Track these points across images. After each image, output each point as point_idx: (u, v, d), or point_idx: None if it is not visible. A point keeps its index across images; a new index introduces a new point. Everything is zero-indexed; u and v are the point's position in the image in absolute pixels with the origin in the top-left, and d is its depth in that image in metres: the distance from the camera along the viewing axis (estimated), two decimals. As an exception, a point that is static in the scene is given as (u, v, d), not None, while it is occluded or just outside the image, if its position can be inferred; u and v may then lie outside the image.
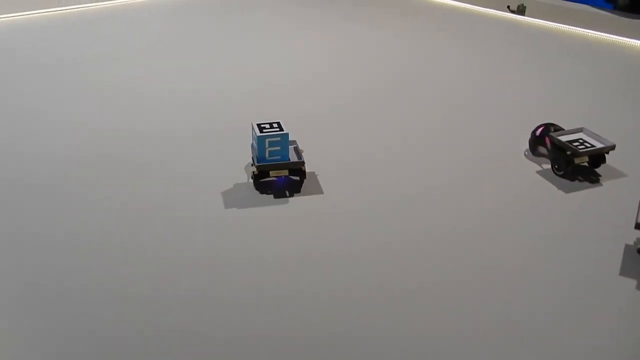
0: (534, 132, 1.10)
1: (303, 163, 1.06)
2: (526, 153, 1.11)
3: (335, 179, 1.12)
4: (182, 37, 1.83)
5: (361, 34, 1.92)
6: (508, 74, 1.59)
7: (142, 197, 1.09)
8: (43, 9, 1.97)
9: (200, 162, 1.17)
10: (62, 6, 2.00)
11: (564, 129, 1.07)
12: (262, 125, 1.01)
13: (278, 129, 1.02)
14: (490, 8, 2.09)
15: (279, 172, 1.02)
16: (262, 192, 1.06)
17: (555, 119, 1.17)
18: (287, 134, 1.04)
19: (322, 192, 1.05)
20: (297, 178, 1.07)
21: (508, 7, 2.05)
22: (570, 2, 1.98)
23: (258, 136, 1.00)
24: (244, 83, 1.49)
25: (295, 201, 1.08)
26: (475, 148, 1.21)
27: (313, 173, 1.12)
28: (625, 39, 1.80)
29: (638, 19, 1.83)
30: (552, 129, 1.08)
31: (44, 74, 1.48)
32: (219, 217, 1.05)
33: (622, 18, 1.84)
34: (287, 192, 1.06)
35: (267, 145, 0.99)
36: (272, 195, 1.07)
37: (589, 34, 1.87)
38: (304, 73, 1.59)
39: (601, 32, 1.85)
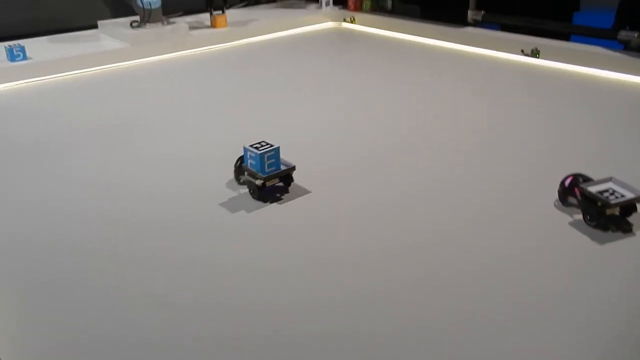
0: (562, 182, 1.12)
1: (294, 168, 1.21)
2: (556, 203, 1.14)
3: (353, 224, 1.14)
4: (197, 96, 1.88)
5: (370, 84, 1.98)
6: (527, 118, 1.62)
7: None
8: (57, 73, 2.07)
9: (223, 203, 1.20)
10: (80, 69, 2.09)
11: (592, 179, 1.10)
12: (254, 146, 1.16)
13: (269, 145, 1.18)
14: (504, 52, 2.15)
15: (273, 181, 1.19)
16: (265, 201, 1.18)
17: (580, 165, 1.19)
18: (278, 147, 1.18)
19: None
20: (282, 184, 1.22)
21: (522, 51, 2.11)
22: (582, 44, 2.03)
23: (259, 154, 1.15)
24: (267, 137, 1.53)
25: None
26: (502, 196, 1.23)
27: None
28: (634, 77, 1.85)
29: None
30: (581, 180, 1.11)
31: (75, 137, 1.53)
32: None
33: (636, 59, 1.88)
34: (278, 195, 1.20)
35: (265, 160, 1.15)
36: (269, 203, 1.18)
37: (604, 75, 1.92)
38: (319, 128, 1.61)
39: (616, 72, 1.90)
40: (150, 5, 2.25)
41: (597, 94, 1.80)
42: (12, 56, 2.04)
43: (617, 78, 1.88)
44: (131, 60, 2.21)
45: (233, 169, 1.24)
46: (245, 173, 1.21)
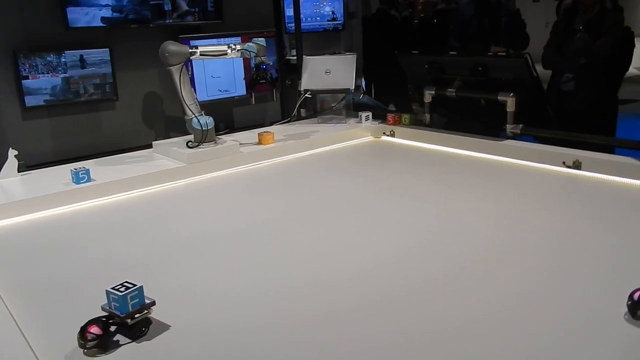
0: (631, 295, 1.13)
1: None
2: (626, 317, 1.14)
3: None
4: (251, 213, 1.96)
5: (425, 196, 2.02)
6: (580, 231, 1.64)
7: None
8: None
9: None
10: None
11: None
12: (116, 288, 1.15)
13: (132, 285, 1.16)
14: (546, 164, 2.22)
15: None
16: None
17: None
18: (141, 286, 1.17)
19: None
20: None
21: (563, 162, 2.17)
22: (621, 157, 2.09)
23: (122, 295, 1.13)
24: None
25: None
26: (571, 312, 1.23)
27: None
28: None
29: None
30: (651, 293, 1.11)
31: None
32: None
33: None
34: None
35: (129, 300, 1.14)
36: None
37: None
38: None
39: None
40: (207, 125, 2.41)
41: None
42: (77, 179, 2.17)
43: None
44: (187, 178, 2.33)
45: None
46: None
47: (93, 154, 2.62)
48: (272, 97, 2.59)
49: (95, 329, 1.12)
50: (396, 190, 2.11)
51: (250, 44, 2.44)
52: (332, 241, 1.66)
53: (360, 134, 2.89)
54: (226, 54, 2.44)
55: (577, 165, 2.13)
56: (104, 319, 1.15)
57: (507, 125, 2.43)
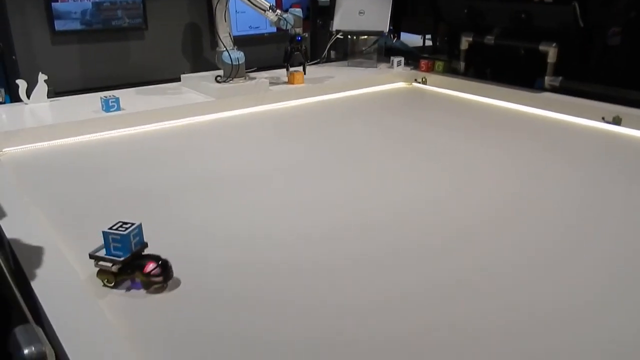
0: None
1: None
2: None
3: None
4: (279, 153, 1.93)
5: (453, 146, 1.98)
6: (612, 190, 1.58)
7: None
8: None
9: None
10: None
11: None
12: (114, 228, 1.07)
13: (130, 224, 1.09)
14: (584, 118, 2.15)
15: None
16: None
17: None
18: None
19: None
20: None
21: (603, 118, 2.10)
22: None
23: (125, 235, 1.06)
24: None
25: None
26: (613, 274, 1.19)
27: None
28: None
29: None
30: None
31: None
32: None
33: None
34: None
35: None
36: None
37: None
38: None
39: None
40: (238, 60, 2.36)
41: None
42: (107, 107, 2.16)
43: None
44: (215, 113, 2.31)
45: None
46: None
47: (121, 84, 2.60)
48: (303, 72, 2.53)
49: (153, 265, 1.07)
50: (424, 140, 2.06)
51: (288, 15, 2.41)
52: (353, 188, 1.63)
53: (391, 80, 2.82)
54: (264, 12, 2.38)
55: (617, 121, 2.06)
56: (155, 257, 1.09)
57: (546, 77, 2.35)
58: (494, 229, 1.36)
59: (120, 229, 1.08)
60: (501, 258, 1.22)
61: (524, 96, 2.35)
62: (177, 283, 1.11)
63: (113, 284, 1.09)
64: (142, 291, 1.08)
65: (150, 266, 1.07)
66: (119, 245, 1.07)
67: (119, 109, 2.17)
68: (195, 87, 2.48)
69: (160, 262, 1.08)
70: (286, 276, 1.16)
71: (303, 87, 2.57)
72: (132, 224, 1.10)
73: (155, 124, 2.18)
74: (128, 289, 1.09)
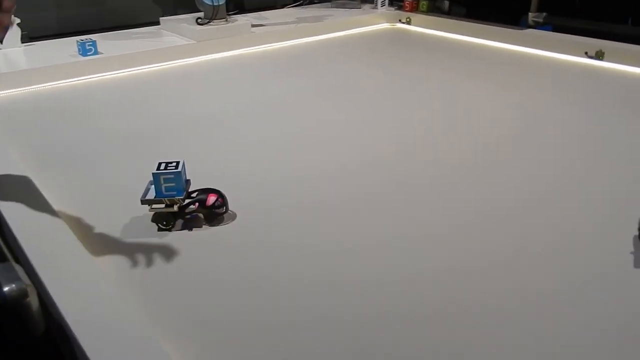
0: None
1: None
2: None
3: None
4: (261, 95, 1.90)
5: (434, 85, 1.97)
6: (604, 126, 1.59)
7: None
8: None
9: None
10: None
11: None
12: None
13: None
14: (567, 54, 2.15)
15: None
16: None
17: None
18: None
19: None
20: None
21: (586, 53, 2.10)
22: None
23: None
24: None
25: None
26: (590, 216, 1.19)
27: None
28: None
29: None
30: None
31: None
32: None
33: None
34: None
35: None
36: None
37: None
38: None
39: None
40: (218, 1, 2.30)
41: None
42: (84, 50, 2.10)
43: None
44: (196, 56, 2.26)
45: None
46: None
47: (98, 29, 2.52)
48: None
49: (214, 197, 1.06)
50: (409, 79, 2.05)
51: None
52: (340, 127, 1.62)
53: (375, 21, 2.78)
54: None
55: (599, 56, 2.07)
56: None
57: (530, 14, 2.33)
58: (489, 163, 1.37)
59: (168, 168, 1.03)
60: (500, 189, 1.25)
61: (508, 34, 2.34)
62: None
63: (172, 225, 1.06)
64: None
65: (212, 198, 1.06)
66: (172, 184, 1.03)
67: (96, 52, 2.11)
68: (175, 30, 2.42)
69: (219, 194, 1.07)
70: (294, 213, 1.16)
71: (285, 29, 2.52)
72: (177, 162, 1.05)
73: (136, 68, 2.14)
74: (190, 229, 1.07)
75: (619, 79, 1.96)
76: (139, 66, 2.14)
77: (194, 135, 1.55)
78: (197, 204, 1.06)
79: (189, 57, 2.25)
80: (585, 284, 0.92)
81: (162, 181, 1.02)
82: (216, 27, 2.33)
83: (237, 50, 2.36)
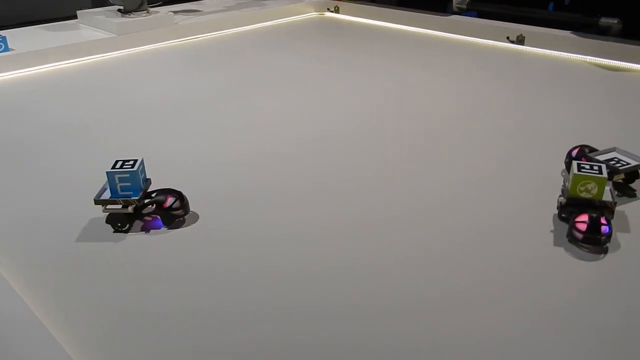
0: (569, 153, 1.16)
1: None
2: (563, 173, 1.17)
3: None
4: (183, 89, 1.85)
5: (361, 74, 1.97)
6: (523, 102, 1.64)
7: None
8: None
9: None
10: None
11: (597, 150, 1.14)
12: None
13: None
14: (490, 39, 2.20)
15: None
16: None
17: (577, 141, 1.23)
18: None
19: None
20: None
21: (508, 37, 2.16)
22: (564, 31, 2.08)
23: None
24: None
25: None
26: (517, 173, 1.24)
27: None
28: (614, 61, 1.92)
29: (628, 44, 1.94)
30: (587, 150, 1.15)
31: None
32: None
33: (612, 43, 1.95)
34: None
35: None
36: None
37: (587, 59, 1.98)
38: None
39: (594, 56, 1.96)
40: (138, -7, 2.22)
41: (583, 75, 1.86)
42: (-6, 46, 1.98)
43: (600, 62, 1.94)
44: (118, 50, 2.18)
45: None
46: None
47: (9, 24, 2.38)
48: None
49: (172, 199, 0.98)
50: (338, 67, 2.04)
51: None
52: (273, 115, 1.60)
53: (303, 10, 2.76)
54: None
55: (520, 40, 2.13)
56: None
57: (454, 0, 2.37)
58: (413, 149, 1.39)
59: (124, 167, 0.95)
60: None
61: (434, 20, 2.37)
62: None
63: (128, 226, 0.98)
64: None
65: (170, 200, 0.98)
66: (128, 184, 0.95)
67: (7, 49, 1.99)
68: (94, 23, 2.32)
69: (178, 195, 1.00)
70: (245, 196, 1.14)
71: (211, 20, 2.46)
72: (135, 160, 0.97)
73: (52, 64, 2.03)
74: (147, 231, 0.99)
75: (538, 62, 2.02)
76: (55, 62, 2.04)
77: (122, 129, 1.49)
78: (153, 205, 0.99)
79: (110, 51, 2.16)
80: (506, 260, 0.93)
81: (117, 180, 0.95)
82: (137, 19, 2.24)
83: (162, 43, 2.28)
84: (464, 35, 2.27)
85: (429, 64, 2.01)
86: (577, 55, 1.99)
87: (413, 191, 1.16)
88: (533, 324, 0.79)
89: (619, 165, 1.08)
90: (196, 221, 1.04)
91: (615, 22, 2.07)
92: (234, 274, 0.90)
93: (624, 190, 1.11)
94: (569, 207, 0.98)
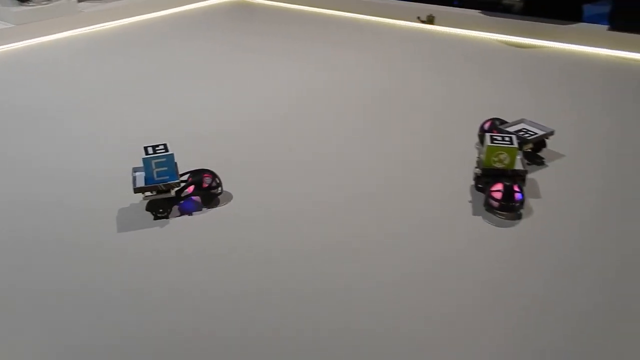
0: (482, 126, 1.22)
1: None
2: (477, 146, 1.23)
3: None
4: (91, 82, 1.76)
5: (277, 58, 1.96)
6: (436, 80, 1.70)
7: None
8: None
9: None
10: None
11: (507, 122, 1.21)
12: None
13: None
14: (401, 20, 2.25)
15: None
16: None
17: (489, 114, 1.29)
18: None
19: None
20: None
21: (418, 17, 2.22)
22: (474, 11, 2.16)
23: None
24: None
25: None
26: (431, 145, 1.30)
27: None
28: (519, 38, 2.03)
29: (531, 20, 2.05)
30: (498, 123, 1.21)
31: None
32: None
33: (516, 21, 2.05)
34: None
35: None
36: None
37: (494, 37, 2.08)
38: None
39: (502, 34, 2.06)
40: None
41: (490, 54, 1.95)
42: None
43: (507, 40, 2.04)
44: (18, 41, 2.04)
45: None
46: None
47: None
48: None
49: (209, 178, 1.00)
50: (257, 51, 2.02)
51: None
52: (196, 101, 1.58)
53: (216, -5, 2.69)
54: None
55: (430, 20, 2.19)
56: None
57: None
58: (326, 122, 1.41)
59: (157, 151, 0.93)
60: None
61: (346, 2, 2.40)
62: None
63: (169, 211, 0.97)
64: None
65: (207, 179, 0.99)
66: (164, 168, 0.93)
67: None
68: (-11, 13, 2.15)
69: (213, 174, 1.00)
70: None
71: (118, 6, 2.35)
72: (164, 144, 0.96)
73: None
74: (190, 213, 0.99)
75: (448, 40, 2.09)
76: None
77: (27, 128, 1.40)
78: (192, 187, 0.98)
79: (8, 43, 2.01)
80: (423, 228, 0.97)
81: (153, 166, 0.92)
82: (37, 7, 2.10)
83: (66, 32, 2.16)
84: (376, 16, 2.31)
85: (341, 45, 2.04)
86: (485, 34, 2.08)
87: (333, 174, 1.18)
88: (459, 289, 0.83)
89: (527, 135, 1.15)
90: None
91: (517, 0, 2.17)
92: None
93: (533, 159, 1.18)
94: (485, 177, 1.04)
